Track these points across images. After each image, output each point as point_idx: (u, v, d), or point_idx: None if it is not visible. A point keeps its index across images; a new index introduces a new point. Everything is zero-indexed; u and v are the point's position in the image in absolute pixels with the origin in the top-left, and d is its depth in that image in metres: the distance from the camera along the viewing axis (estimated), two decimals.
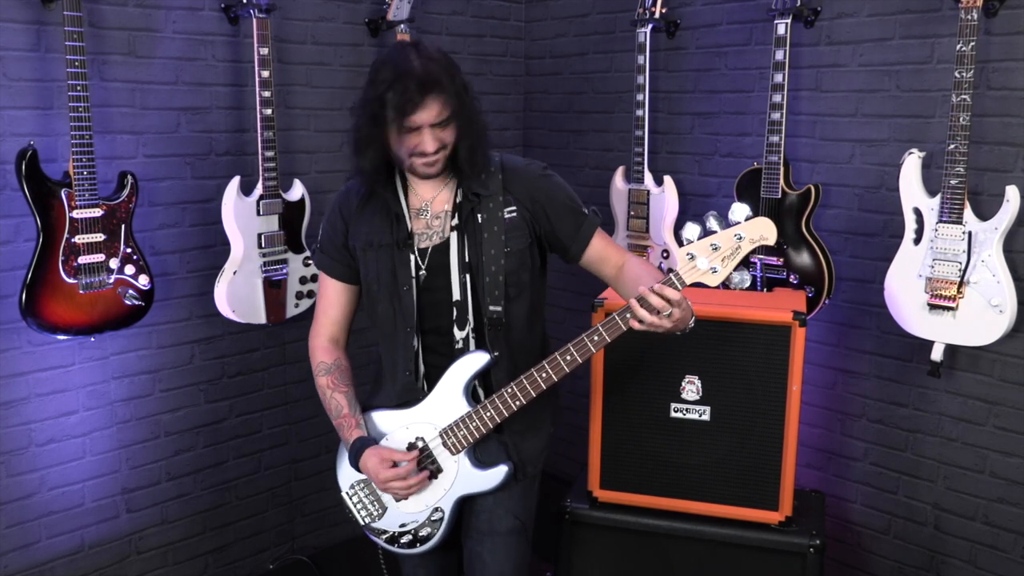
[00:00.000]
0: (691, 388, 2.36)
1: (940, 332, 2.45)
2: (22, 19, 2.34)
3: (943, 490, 2.67)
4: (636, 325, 1.81)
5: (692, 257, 1.79)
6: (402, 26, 2.94)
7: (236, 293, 2.69)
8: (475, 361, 1.96)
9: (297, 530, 3.18)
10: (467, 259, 1.96)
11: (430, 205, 1.99)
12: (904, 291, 2.49)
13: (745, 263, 1.80)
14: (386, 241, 1.98)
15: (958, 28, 2.28)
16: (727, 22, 2.97)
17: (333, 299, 2.10)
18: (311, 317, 2.43)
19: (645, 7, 2.94)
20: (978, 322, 2.37)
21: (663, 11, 2.96)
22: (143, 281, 2.48)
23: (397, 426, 2.03)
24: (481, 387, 2.02)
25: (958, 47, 2.28)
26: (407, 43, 1.89)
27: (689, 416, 2.37)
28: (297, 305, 2.84)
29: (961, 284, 2.38)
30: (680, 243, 1.89)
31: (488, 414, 1.93)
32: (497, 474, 1.99)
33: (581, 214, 2.02)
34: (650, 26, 2.95)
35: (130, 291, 2.45)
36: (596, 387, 2.41)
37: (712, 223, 1.79)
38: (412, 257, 1.98)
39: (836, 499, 2.88)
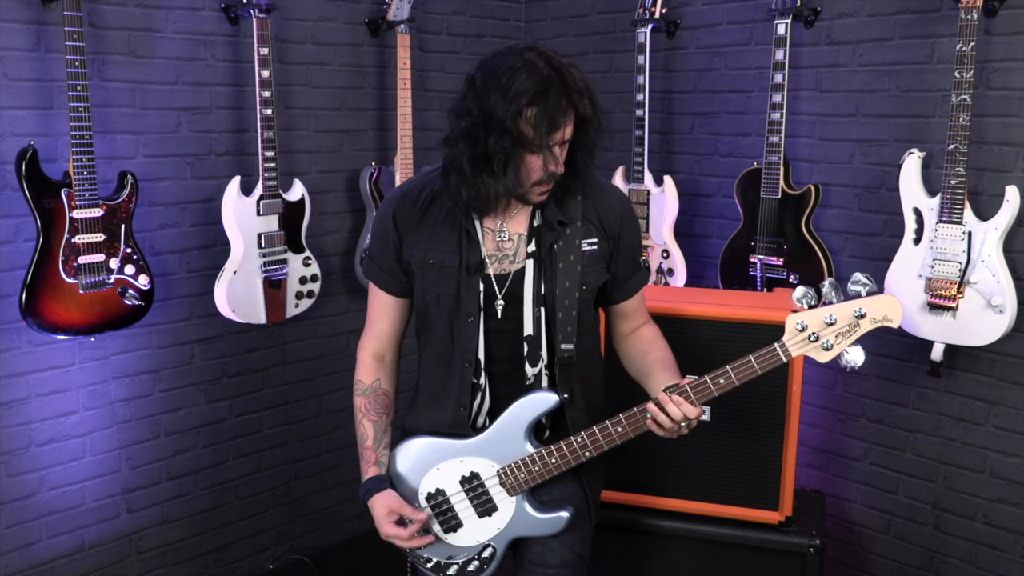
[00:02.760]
0: None
1: (940, 332, 2.45)
2: (22, 19, 2.34)
3: (943, 490, 2.67)
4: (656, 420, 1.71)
5: (803, 328, 1.63)
6: (402, 26, 2.94)
7: (236, 293, 2.69)
8: (542, 402, 1.80)
9: (297, 530, 3.18)
10: (543, 291, 1.78)
11: (507, 225, 1.79)
12: (904, 291, 2.49)
13: (861, 340, 1.63)
14: (452, 263, 1.78)
15: (958, 28, 2.28)
16: (727, 22, 2.97)
17: (381, 312, 1.92)
18: (310, 317, 2.41)
19: (645, 7, 2.94)
20: (978, 322, 2.37)
21: (663, 11, 2.96)
22: (143, 281, 2.48)
23: (450, 456, 1.87)
24: (552, 428, 1.88)
25: (958, 47, 2.28)
26: (527, 47, 1.68)
27: None
28: (297, 305, 2.84)
29: (961, 284, 2.38)
30: (792, 307, 1.75)
31: (554, 460, 1.79)
32: (557, 521, 1.84)
33: (639, 264, 1.91)
34: (650, 26, 2.95)
35: (130, 291, 2.45)
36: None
37: (828, 290, 1.63)
38: (482, 284, 1.78)
39: (836, 499, 2.89)
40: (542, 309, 1.79)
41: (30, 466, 2.53)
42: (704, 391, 1.71)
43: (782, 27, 2.62)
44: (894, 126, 2.63)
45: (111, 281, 2.41)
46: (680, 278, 2.95)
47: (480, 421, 1.87)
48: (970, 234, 2.36)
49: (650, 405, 1.72)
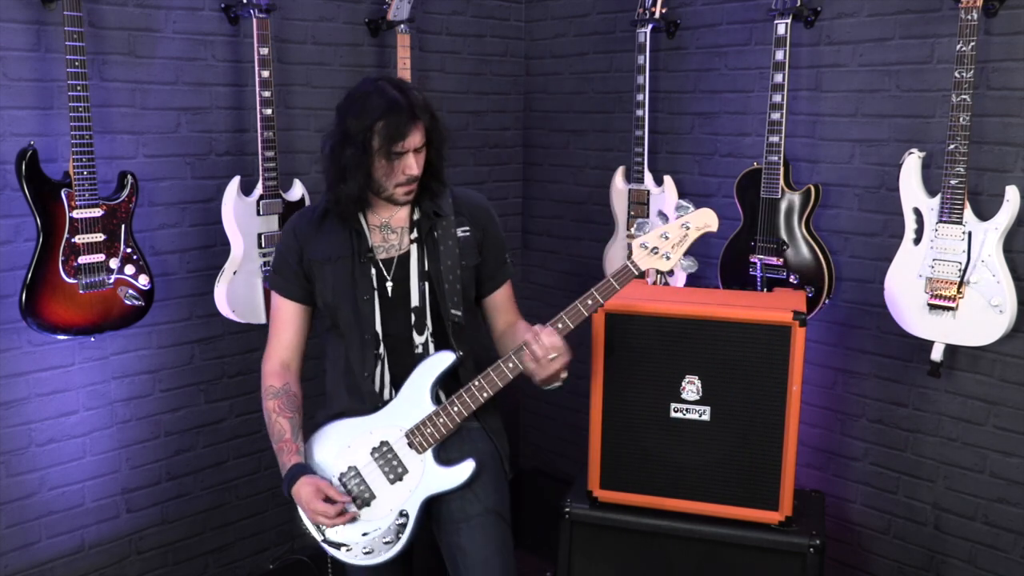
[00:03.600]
0: (691, 388, 2.36)
1: (940, 332, 2.45)
2: (22, 19, 2.34)
3: (943, 490, 2.67)
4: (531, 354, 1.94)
5: (645, 246, 1.98)
6: (402, 26, 2.94)
7: (236, 293, 2.69)
8: (441, 361, 2.02)
9: (297, 530, 3.17)
10: (426, 268, 2.07)
11: (389, 222, 2.09)
12: (904, 291, 2.49)
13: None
14: (345, 254, 2.06)
15: (958, 28, 2.28)
16: (727, 22, 2.97)
17: (287, 321, 2.13)
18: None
19: (645, 7, 2.94)
20: (978, 322, 2.37)
21: (663, 11, 2.96)
22: (143, 281, 2.48)
23: (360, 432, 2.04)
24: (446, 389, 2.05)
25: (958, 47, 2.28)
26: (377, 78, 2.02)
27: (689, 416, 2.37)
28: None
29: (961, 284, 2.38)
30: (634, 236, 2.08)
31: (456, 409, 1.99)
32: (464, 470, 2.01)
33: (506, 258, 2.20)
34: (650, 26, 2.95)
35: (130, 291, 2.46)
36: (596, 387, 2.41)
37: (657, 220, 2.01)
38: (373, 269, 2.06)
39: (836, 499, 2.89)
40: (426, 284, 2.06)
41: (30, 466, 2.53)
42: (575, 313, 1.96)
43: (782, 27, 2.62)
44: (894, 126, 2.63)
45: (111, 281, 2.41)
46: (680, 278, 2.94)
47: (382, 388, 2.07)
48: (970, 234, 2.36)
49: (527, 336, 1.95)
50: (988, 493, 2.57)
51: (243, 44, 2.76)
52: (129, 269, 2.44)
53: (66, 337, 2.41)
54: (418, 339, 2.07)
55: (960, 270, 2.38)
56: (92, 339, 2.54)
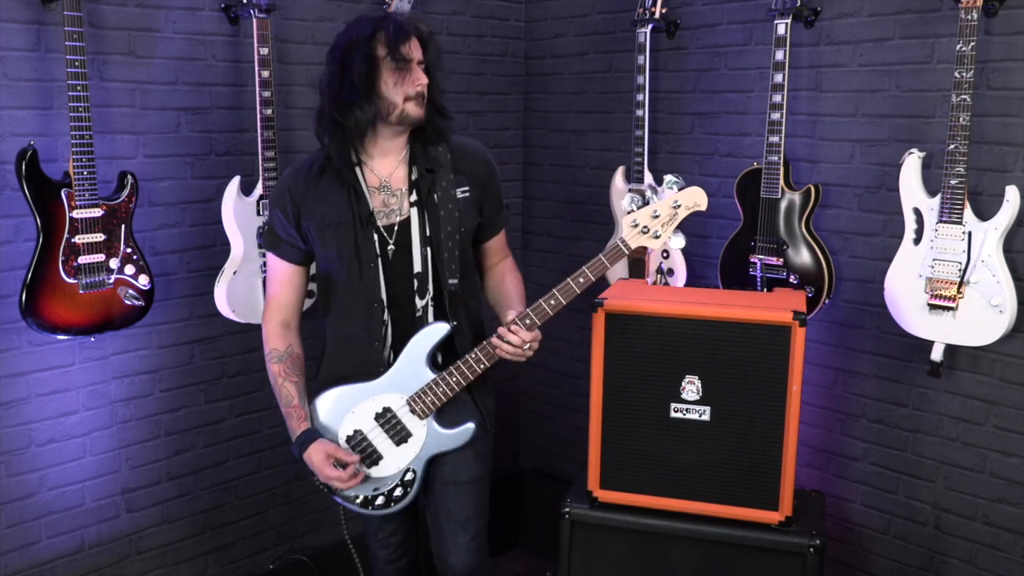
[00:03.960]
0: (691, 388, 2.36)
1: (940, 332, 2.45)
2: (22, 19, 2.34)
3: (943, 490, 2.67)
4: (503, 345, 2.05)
5: (635, 224, 2.02)
6: None
7: (236, 293, 2.69)
8: (437, 331, 2.10)
9: (297, 530, 3.18)
10: (427, 233, 2.09)
11: (388, 182, 2.08)
12: (904, 291, 2.49)
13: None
14: (346, 219, 2.06)
15: (958, 28, 2.28)
16: (727, 22, 2.97)
17: (285, 282, 2.17)
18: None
19: (645, 7, 2.94)
20: (978, 322, 2.37)
21: (663, 11, 2.96)
22: (143, 281, 2.48)
23: (363, 398, 2.14)
24: (443, 355, 2.15)
25: (958, 47, 2.28)
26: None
27: (689, 416, 2.37)
28: None
29: (961, 284, 2.38)
30: (624, 212, 2.12)
31: (454, 379, 2.09)
32: (465, 432, 2.16)
33: (503, 206, 2.26)
34: (650, 26, 2.95)
35: (130, 291, 2.45)
36: (596, 387, 2.41)
37: (650, 195, 2.06)
38: (375, 235, 2.07)
39: (836, 499, 2.89)
40: (428, 249, 2.09)
41: (30, 466, 2.53)
42: (567, 290, 2.03)
43: (782, 27, 2.62)
44: (894, 126, 2.63)
45: (111, 281, 2.41)
46: (680, 278, 2.95)
47: (387, 354, 2.13)
48: (970, 234, 2.36)
49: (493, 339, 2.05)
50: (988, 493, 2.57)
51: (243, 44, 2.76)
52: (129, 269, 2.44)
53: (66, 337, 2.41)
54: (419, 303, 2.12)
55: (960, 270, 2.38)
56: (92, 339, 2.54)
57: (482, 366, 2.09)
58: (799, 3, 2.62)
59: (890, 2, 2.59)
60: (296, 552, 3.12)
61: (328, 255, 2.09)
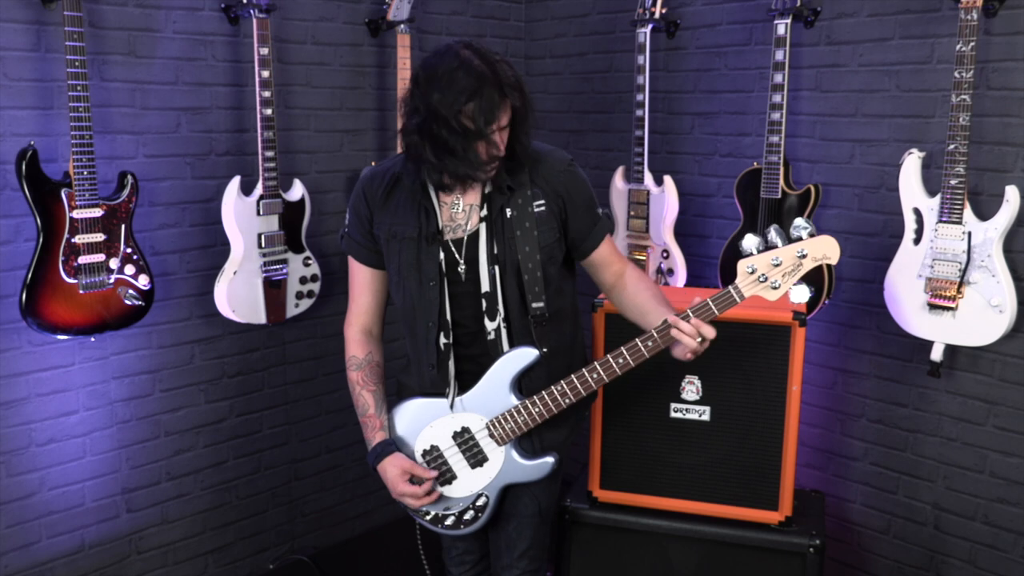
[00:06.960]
0: (691, 388, 2.36)
1: (940, 332, 2.45)
2: (22, 19, 2.34)
3: (943, 490, 2.67)
4: (682, 333, 1.86)
5: (752, 271, 1.81)
6: (402, 26, 2.94)
7: (236, 293, 2.69)
8: (524, 357, 1.96)
9: (297, 530, 3.18)
10: (495, 250, 1.94)
11: (461, 199, 1.96)
12: (904, 291, 2.49)
13: (806, 279, 1.85)
14: (411, 234, 1.95)
15: (958, 28, 2.28)
16: (727, 22, 2.97)
17: (363, 285, 2.08)
18: (311, 317, 2.43)
19: (645, 7, 2.94)
20: (978, 322, 2.37)
21: (663, 11, 2.96)
22: (143, 281, 2.48)
23: (442, 414, 2.04)
24: (523, 381, 2.02)
25: (958, 47, 2.28)
26: (460, 46, 1.82)
27: (689, 416, 2.37)
28: (297, 305, 2.84)
29: (961, 284, 2.38)
30: (740, 255, 1.88)
31: (537, 410, 1.96)
32: (544, 466, 2.03)
33: (597, 214, 2.04)
34: (650, 26, 2.95)
35: (130, 291, 2.46)
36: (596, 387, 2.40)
37: (773, 237, 1.79)
38: (442, 252, 1.95)
39: (836, 499, 2.89)
40: (496, 267, 1.94)
41: (30, 466, 2.53)
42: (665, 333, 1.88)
43: (782, 27, 2.62)
44: (894, 126, 2.63)
45: (111, 281, 2.41)
46: (680, 278, 2.95)
47: (446, 378, 2.01)
48: (970, 234, 2.36)
49: (687, 315, 1.85)
50: (988, 493, 2.57)
51: (243, 44, 2.76)
52: (129, 269, 2.44)
53: (66, 337, 2.41)
54: (490, 325, 1.97)
55: (960, 270, 2.38)
56: (92, 339, 2.54)
57: (567, 400, 1.94)
58: (799, 3, 2.62)
59: (890, 2, 2.59)
60: (296, 552, 3.12)
61: (391, 267, 2.00)
